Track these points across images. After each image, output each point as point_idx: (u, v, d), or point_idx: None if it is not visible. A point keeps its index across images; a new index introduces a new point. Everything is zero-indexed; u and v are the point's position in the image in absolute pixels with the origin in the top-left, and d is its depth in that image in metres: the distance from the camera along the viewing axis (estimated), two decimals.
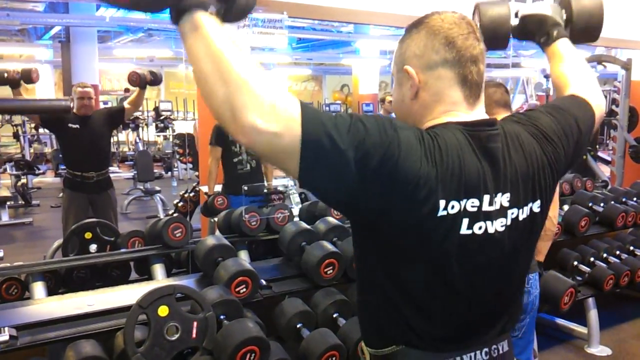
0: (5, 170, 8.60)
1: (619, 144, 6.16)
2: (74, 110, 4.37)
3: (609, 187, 4.77)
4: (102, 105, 10.98)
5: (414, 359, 1.05)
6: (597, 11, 1.46)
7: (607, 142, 8.38)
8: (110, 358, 1.94)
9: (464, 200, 0.98)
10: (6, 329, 1.88)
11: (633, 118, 6.17)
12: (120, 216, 5.82)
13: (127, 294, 2.25)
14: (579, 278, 3.43)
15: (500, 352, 1.12)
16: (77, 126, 4.28)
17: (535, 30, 1.46)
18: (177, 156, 9.70)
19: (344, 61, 14.60)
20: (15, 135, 11.71)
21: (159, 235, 2.60)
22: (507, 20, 1.44)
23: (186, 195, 6.00)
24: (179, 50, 11.56)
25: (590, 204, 3.79)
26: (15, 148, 11.10)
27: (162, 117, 11.10)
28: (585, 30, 1.46)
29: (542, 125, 1.15)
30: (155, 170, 8.49)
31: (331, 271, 2.50)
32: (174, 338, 1.83)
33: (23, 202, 8.00)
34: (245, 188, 3.80)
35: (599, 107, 1.30)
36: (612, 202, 3.87)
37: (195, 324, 1.87)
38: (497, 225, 1.03)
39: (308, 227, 2.71)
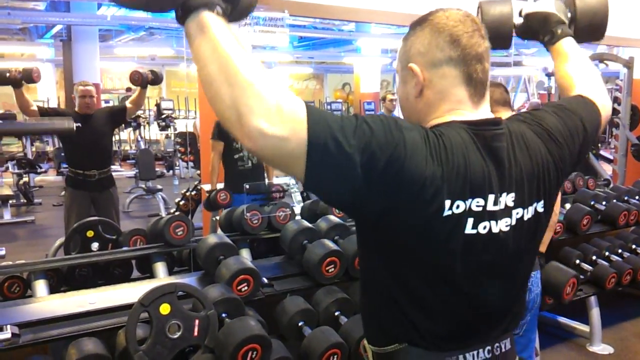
0: (7, 168, 8.61)
1: (621, 143, 6.15)
2: (76, 109, 4.38)
3: (611, 185, 4.76)
4: (103, 104, 11.01)
5: (416, 358, 1.05)
6: (601, 10, 1.45)
7: (609, 140, 8.36)
8: (112, 356, 1.95)
9: (469, 200, 0.98)
10: (8, 326, 1.88)
11: (635, 116, 6.16)
12: (122, 214, 5.84)
13: (128, 292, 2.26)
14: (581, 276, 3.42)
15: (503, 350, 1.12)
16: (79, 125, 4.28)
17: (539, 29, 1.44)
18: (179, 155, 9.72)
19: (345, 60, 14.59)
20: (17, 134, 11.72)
21: (161, 233, 2.60)
22: (509, 18, 1.43)
23: (188, 193, 6.01)
24: (180, 49, 11.56)
25: (592, 203, 3.78)
26: (18, 146, 11.10)
27: (163, 116, 11.09)
28: (589, 29, 1.45)
29: (548, 125, 1.14)
30: (156, 169, 8.49)
31: (333, 269, 2.50)
32: (175, 336, 1.83)
33: (25, 201, 8.02)
34: (247, 186, 3.80)
35: (605, 108, 1.30)
36: (614, 201, 3.87)
37: (197, 322, 1.87)
38: (502, 225, 1.02)
39: (310, 225, 2.71)
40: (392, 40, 11.73)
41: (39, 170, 8.50)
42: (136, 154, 8.99)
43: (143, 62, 15.21)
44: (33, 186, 8.72)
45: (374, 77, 13.96)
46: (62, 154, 5.35)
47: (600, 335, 3.51)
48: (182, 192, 6.24)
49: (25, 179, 8.19)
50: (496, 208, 1.01)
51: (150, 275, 2.65)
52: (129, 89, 13.93)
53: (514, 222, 1.04)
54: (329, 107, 13.63)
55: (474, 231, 0.99)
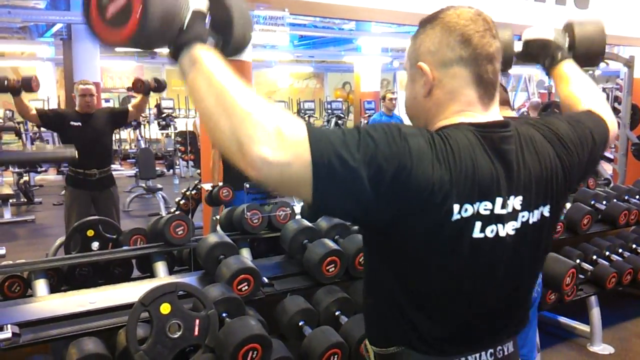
0: (7, 167, 8.61)
1: (621, 142, 6.14)
2: (76, 108, 4.38)
3: (612, 185, 4.76)
4: (103, 103, 11.01)
5: None
6: (599, 37, 1.48)
7: None
8: (112, 355, 1.94)
9: (477, 203, 0.96)
10: (9, 326, 1.88)
11: (635, 116, 6.15)
12: (122, 214, 5.83)
13: (129, 292, 2.25)
14: (581, 276, 3.42)
15: (506, 353, 1.11)
16: (79, 124, 4.29)
17: (539, 53, 1.46)
18: (179, 154, 9.71)
19: (345, 59, 14.59)
20: (17, 133, 11.71)
21: (161, 232, 2.60)
22: (510, 45, 1.45)
23: (188, 192, 6.00)
24: None
25: (592, 202, 3.78)
26: (18, 146, 11.10)
27: (163, 115, 11.09)
28: (586, 55, 1.47)
29: (558, 130, 1.13)
30: (157, 168, 8.49)
31: (333, 269, 2.50)
32: (176, 336, 1.83)
33: (25, 200, 8.01)
34: (247, 185, 3.79)
35: (613, 125, 1.29)
36: (615, 200, 3.87)
37: (197, 321, 1.87)
38: (509, 229, 1.01)
39: (310, 224, 2.71)
40: (393, 39, 11.73)
41: (39, 169, 8.50)
42: (136, 153, 9.00)
43: (143, 60, 15.24)
44: (33, 185, 8.71)
45: (374, 76, 13.95)
46: None
47: (601, 335, 3.51)
48: (183, 191, 6.24)
49: (26, 178, 8.19)
50: (504, 211, 1.00)
51: (151, 274, 2.65)
52: (129, 88, 13.94)
53: (519, 226, 1.03)
54: (329, 105, 13.63)
55: (482, 235, 0.98)
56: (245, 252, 2.74)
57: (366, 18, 4.45)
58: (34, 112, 4.27)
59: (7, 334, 1.85)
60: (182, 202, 6.02)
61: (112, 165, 4.98)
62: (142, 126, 11.34)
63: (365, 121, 10.17)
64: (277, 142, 0.84)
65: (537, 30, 1.47)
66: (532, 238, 1.06)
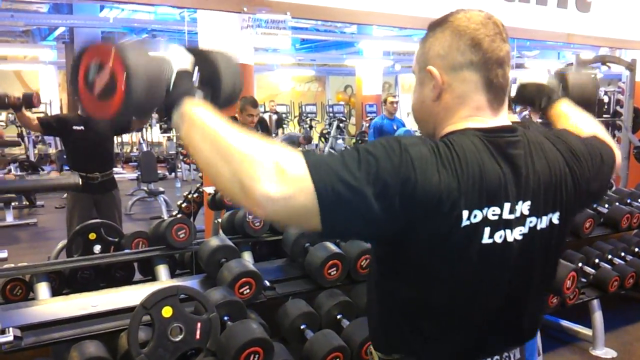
0: (9, 170, 8.62)
1: (623, 145, 6.14)
2: (79, 112, 4.39)
3: (614, 188, 4.75)
4: None
5: None
6: (591, 85, 1.56)
7: None
8: (114, 359, 1.95)
9: (486, 209, 0.95)
10: (10, 329, 1.88)
11: (637, 119, 6.14)
12: (124, 217, 5.83)
13: (130, 295, 2.25)
14: (583, 280, 3.42)
15: (512, 359, 1.11)
16: (82, 128, 4.30)
17: (534, 96, 1.49)
18: (181, 157, 9.72)
19: (347, 62, 14.59)
20: (20, 136, 11.74)
21: (163, 236, 2.60)
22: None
23: (190, 196, 6.01)
24: None
25: (594, 205, 3.77)
26: (20, 149, 11.13)
27: (165, 118, 11.10)
28: (579, 101, 1.49)
29: (569, 141, 1.12)
30: (159, 171, 8.49)
31: (335, 272, 2.49)
32: (177, 339, 1.83)
33: (27, 203, 8.02)
34: None
35: (618, 153, 1.29)
36: (617, 204, 3.86)
37: (199, 324, 1.87)
38: (516, 234, 1.00)
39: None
40: (394, 42, 11.73)
41: (41, 172, 8.50)
42: (138, 157, 9.01)
43: None
44: None
45: (376, 79, 13.96)
46: (65, 157, 5.36)
47: (603, 339, 3.50)
48: (184, 194, 6.24)
49: None
50: (512, 216, 0.99)
51: (152, 278, 2.65)
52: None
53: (526, 231, 1.01)
54: (331, 109, 13.64)
55: (490, 240, 0.97)
56: (246, 256, 2.74)
57: (368, 22, 4.46)
58: (36, 122, 4.30)
59: (8, 337, 1.84)
60: (183, 205, 6.02)
61: (114, 169, 4.99)
62: (144, 129, 11.36)
63: (367, 124, 10.17)
64: (278, 178, 0.85)
65: (532, 75, 1.51)
66: (540, 245, 1.05)
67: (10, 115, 12.14)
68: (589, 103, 1.52)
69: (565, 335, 3.69)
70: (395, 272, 1.03)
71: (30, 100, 4.00)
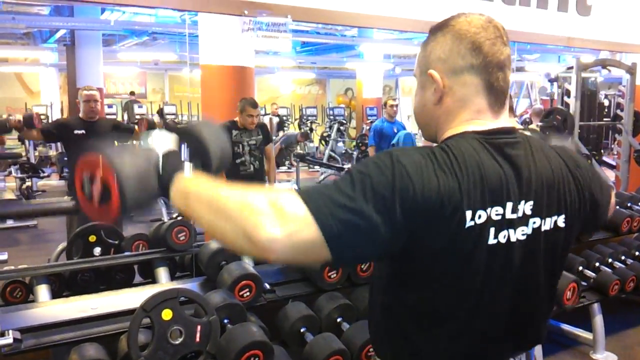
0: (10, 173, 8.62)
1: (623, 149, 6.14)
2: (80, 115, 4.39)
3: (614, 191, 4.75)
4: (106, 109, 11.02)
5: None
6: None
7: (612, 146, 8.35)
8: None
9: (489, 209, 0.95)
10: (10, 332, 1.88)
11: (638, 122, 6.15)
12: (124, 219, 5.83)
13: (130, 298, 2.25)
14: (584, 283, 3.41)
15: None
16: (83, 131, 4.30)
17: None
18: None
19: (348, 65, 14.62)
20: (20, 138, 11.74)
21: (163, 238, 2.60)
22: None
23: None
24: (184, 53, 11.60)
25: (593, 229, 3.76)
26: (21, 151, 11.13)
27: (166, 121, 11.10)
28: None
29: (572, 153, 1.13)
30: None
31: (335, 275, 2.49)
32: (177, 342, 1.83)
33: None
34: None
35: (613, 197, 1.28)
36: (617, 207, 3.86)
37: (198, 327, 1.87)
38: (519, 234, 1.00)
39: None
40: (395, 45, 11.76)
41: (41, 174, 8.50)
42: None
43: (146, 66, 15.28)
44: (36, 190, 8.71)
45: (377, 82, 13.98)
46: (65, 159, 5.37)
47: (604, 343, 3.49)
48: None
49: (28, 183, 8.20)
50: (514, 216, 0.98)
51: (152, 280, 2.65)
52: (132, 93, 13.99)
53: (530, 232, 1.01)
54: (331, 112, 13.65)
55: (495, 241, 0.97)
56: (246, 258, 2.73)
57: (368, 25, 4.46)
58: (37, 132, 4.31)
59: (8, 339, 1.84)
60: None
61: None
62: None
63: (368, 127, 10.17)
64: (278, 219, 0.86)
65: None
66: (545, 247, 1.04)
67: (11, 117, 12.14)
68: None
69: (565, 339, 3.68)
70: (402, 281, 1.02)
71: (30, 122, 4.11)
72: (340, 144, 12.20)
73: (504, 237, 0.98)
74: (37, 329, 2.02)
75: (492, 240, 0.96)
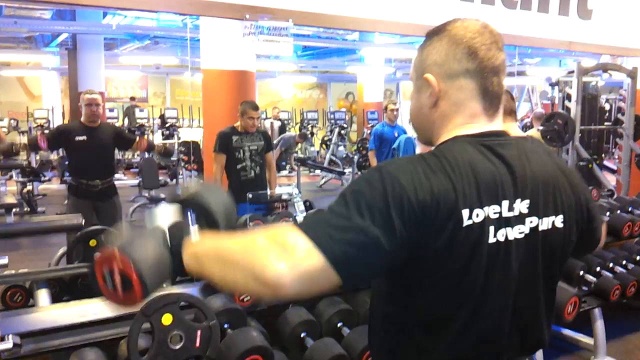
0: (11, 177, 8.62)
1: (624, 153, 6.13)
2: (82, 119, 4.40)
3: (615, 196, 4.74)
4: (108, 113, 11.04)
5: None
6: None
7: (613, 150, 8.35)
8: None
9: (486, 207, 0.96)
10: (10, 336, 1.87)
11: (639, 126, 6.14)
12: (125, 223, 5.82)
13: None
14: (584, 288, 3.40)
15: None
16: (84, 138, 4.31)
17: None
18: (182, 163, 9.73)
19: (349, 69, 14.64)
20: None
21: None
22: None
23: None
24: (185, 57, 11.62)
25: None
26: (22, 155, 11.15)
27: (167, 125, 11.13)
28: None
29: (567, 166, 1.15)
30: (160, 178, 8.49)
31: None
32: (177, 347, 1.82)
33: (29, 209, 8.01)
34: (250, 195, 3.79)
35: (604, 237, 1.29)
36: (618, 212, 3.85)
37: (199, 332, 1.86)
38: (516, 232, 1.00)
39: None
40: (396, 49, 11.77)
41: (42, 178, 8.51)
42: (140, 163, 9.01)
43: (148, 70, 15.31)
44: (37, 194, 8.72)
45: (378, 86, 14.00)
46: (66, 163, 5.38)
47: (605, 348, 3.48)
48: None
49: (29, 187, 8.20)
50: (511, 214, 0.99)
51: None
52: (132, 98, 14.02)
53: (527, 231, 1.02)
54: (332, 115, 13.67)
55: (495, 240, 0.98)
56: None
57: (370, 29, 4.47)
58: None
59: (8, 344, 1.84)
60: None
61: (116, 175, 4.99)
62: (145, 136, 11.37)
63: (368, 131, 10.17)
64: (282, 254, 0.88)
65: None
66: (544, 246, 1.05)
67: (12, 121, 12.19)
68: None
69: (566, 344, 3.67)
70: (407, 289, 1.02)
71: (36, 144, 4.16)
72: (341, 148, 12.21)
73: (503, 235, 0.99)
74: (37, 333, 2.02)
75: (492, 239, 0.97)
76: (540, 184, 1.03)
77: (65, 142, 4.41)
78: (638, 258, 3.76)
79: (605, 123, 6.72)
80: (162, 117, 11.50)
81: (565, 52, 12.00)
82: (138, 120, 11.39)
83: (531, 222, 1.02)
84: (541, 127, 5.71)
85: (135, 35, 11.75)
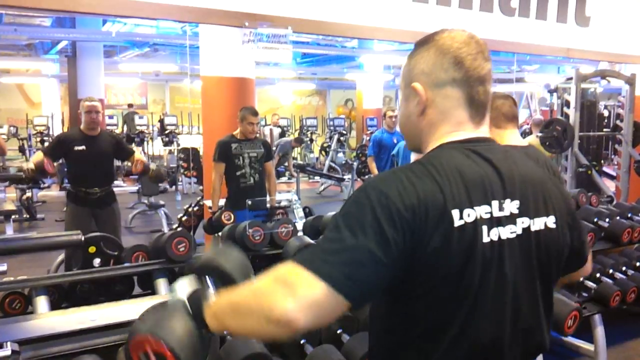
0: (10, 184, 8.61)
1: (623, 159, 6.14)
2: (82, 127, 4.40)
3: (614, 202, 4.74)
4: (107, 120, 11.05)
5: None
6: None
7: (612, 157, 8.36)
8: None
9: (477, 207, 0.98)
10: (9, 343, 1.87)
11: (637, 133, 6.15)
12: (124, 230, 5.83)
13: (130, 309, 2.24)
14: (584, 294, 3.40)
15: None
16: (84, 147, 4.30)
17: None
18: (182, 170, 9.73)
19: (348, 76, 14.69)
20: (21, 149, 11.77)
21: (163, 249, 2.59)
22: None
23: (190, 209, 6.01)
24: (184, 65, 11.65)
25: (595, 220, 3.76)
26: (21, 161, 11.15)
27: (167, 132, 11.14)
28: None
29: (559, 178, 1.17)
30: (159, 185, 8.49)
31: None
32: None
33: (28, 216, 8.01)
34: (249, 202, 3.79)
35: (589, 264, 1.27)
36: (618, 218, 3.85)
37: None
38: (507, 232, 1.01)
39: (312, 241, 2.70)
40: (395, 57, 11.80)
41: (42, 185, 8.50)
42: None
43: (147, 77, 15.34)
44: (36, 201, 8.72)
45: (377, 93, 14.04)
46: (65, 169, 5.38)
47: (605, 355, 3.47)
48: (185, 208, 6.24)
49: (28, 194, 8.20)
50: (501, 214, 1.01)
51: (152, 291, 2.64)
52: (130, 105, 14.04)
53: (519, 231, 1.03)
54: (331, 122, 13.69)
55: (488, 239, 0.99)
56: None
57: (368, 36, 4.48)
58: (41, 157, 4.27)
59: (6, 351, 1.83)
60: (184, 218, 6.01)
61: (115, 182, 4.98)
62: (145, 142, 11.39)
63: (368, 138, 10.19)
64: (287, 291, 0.90)
65: None
66: (538, 247, 1.05)
67: (12, 128, 12.20)
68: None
69: (566, 351, 3.66)
70: (404, 296, 1.02)
71: (43, 170, 4.17)
72: (340, 155, 12.23)
73: (496, 235, 1.00)
74: (35, 340, 2.01)
75: (485, 239, 0.98)
76: (528, 185, 1.05)
77: (65, 152, 4.41)
78: (638, 264, 3.75)
79: (604, 129, 6.72)
80: (161, 123, 11.51)
81: (563, 59, 12.04)
82: (137, 127, 11.40)
83: (522, 222, 1.03)
84: (540, 134, 5.72)
85: (134, 42, 11.78)
